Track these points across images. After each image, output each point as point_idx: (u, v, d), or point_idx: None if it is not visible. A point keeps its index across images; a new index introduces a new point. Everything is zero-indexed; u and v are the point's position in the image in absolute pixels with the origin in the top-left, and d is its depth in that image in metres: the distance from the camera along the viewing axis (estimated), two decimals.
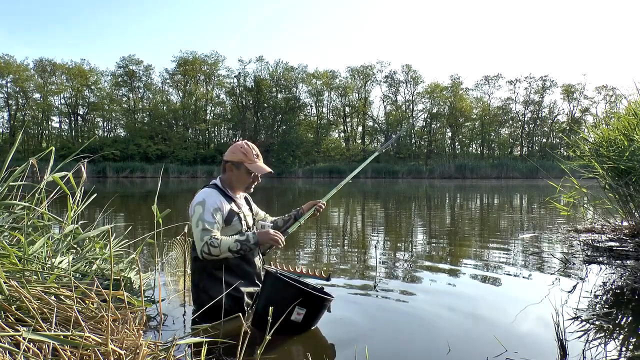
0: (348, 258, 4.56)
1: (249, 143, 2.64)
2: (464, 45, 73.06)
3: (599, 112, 45.86)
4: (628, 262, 4.13)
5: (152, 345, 1.77)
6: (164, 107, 46.53)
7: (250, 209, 2.78)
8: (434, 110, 49.24)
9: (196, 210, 2.44)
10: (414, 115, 48.89)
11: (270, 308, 1.77)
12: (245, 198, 2.80)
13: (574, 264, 4.13)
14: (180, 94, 47.85)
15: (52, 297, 1.94)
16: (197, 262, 2.52)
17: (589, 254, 4.50)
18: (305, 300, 2.24)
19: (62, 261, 2.43)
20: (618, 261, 4.16)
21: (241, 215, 2.59)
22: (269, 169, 2.64)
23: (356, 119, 50.50)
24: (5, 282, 1.82)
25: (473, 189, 21.47)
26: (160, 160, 41.63)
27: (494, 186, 23.75)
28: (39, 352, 1.56)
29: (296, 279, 2.46)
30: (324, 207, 2.83)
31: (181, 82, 47.59)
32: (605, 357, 2.06)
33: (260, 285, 2.49)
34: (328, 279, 2.62)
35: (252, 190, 2.69)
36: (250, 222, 2.69)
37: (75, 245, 2.78)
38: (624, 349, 2.21)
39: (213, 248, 2.34)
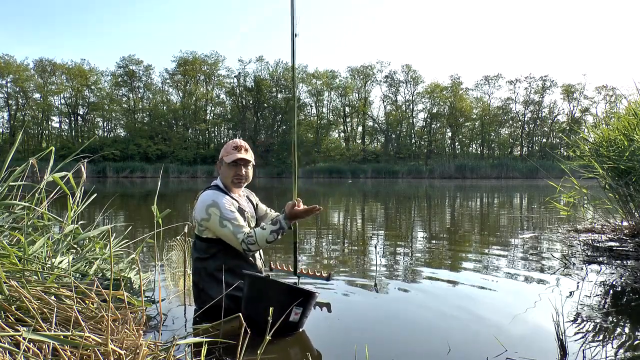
0: (348, 258, 4.56)
1: (235, 140, 2.64)
2: (464, 45, 73.04)
3: (599, 112, 45.88)
4: (628, 262, 4.13)
5: (152, 345, 1.77)
6: (164, 107, 46.58)
7: (254, 208, 2.77)
8: (434, 110, 49.27)
9: (213, 213, 2.42)
10: (414, 114, 48.91)
11: (271, 309, 1.77)
12: (248, 197, 2.79)
13: (574, 264, 4.13)
14: (180, 94, 47.91)
15: (52, 297, 1.94)
16: (198, 263, 2.52)
17: (589, 254, 4.50)
18: (302, 299, 2.23)
19: (62, 261, 2.43)
20: (618, 261, 4.16)
21: (245, 215, 2.60)
22: (240, 155, 2.55)
23: (356, 119, 50.52)
24: (5, 282, 1.82)
25: (473, 189, 21.47)
26: (160, 160, 41.67)
27: (494, 186, 23.75)
28: (39, 352, 1.56)
29: (276, 279, 2.35)
30: (300, 203, 2.56)
31: (181, 82, 47.64)
32: (605, 357, 2.06)
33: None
34: (328, 279, 2.61)
35: (241, 185, 2.64)
36: (253, 224, 2.69)
37: (75, 245, 2.77)
38: (623, 349, 2.21)
39: (251, 245, 2.39)
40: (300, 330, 2.34)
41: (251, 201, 2.80)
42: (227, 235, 2.42)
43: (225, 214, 2.42)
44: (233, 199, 2.58)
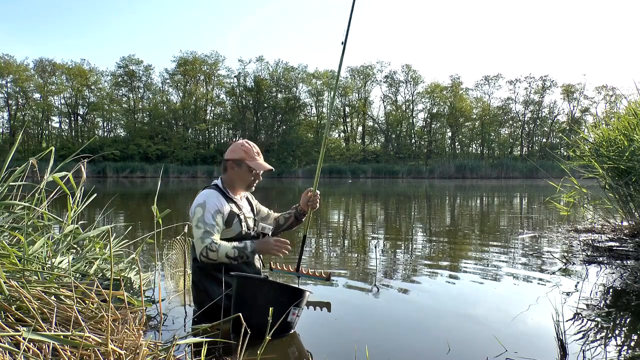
0: (348, 258, 4.56)
1: (250, 142, 2.62)
2: (464, 45, 73.03)
3: (599, 112, 45.93)
4: (628, 262, 4.13)
5: (152, 345, 1.77)
6: (164, 107, 46.55)
7: (252, 210, 2.77)
8: (434, 110, 49.26)
9: (196, 212, 2.43)
10: (414, 114, 48.90)
11: (271, 309, 1.77)
12: (247, 198, 2.79)
13: (574, 264, 4.13)
14: (180, 94, 47.87)
15: (52, 297, 1.94)
16: (197, 262, 2.52)
17: (589, 254, 4.50)
18: (293, 297, 2.21)
19: (62, 261, 2.43)
20: (618, 261, 4.16)
21: (241, 217, 2.58)
22: (269, 167, 2.63)
23: (356, 119, 50.51)
24: (5, 282, 1.82)
25: (473, 188, 21.47)
26: (160, 160, 41.64)
27: (494, 186, 23.75)
28: (39, 352, 1.56)
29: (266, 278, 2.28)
30: (318, 195, 2.72)
31: (181, 82, 47.60)
32: (605, 357, 2.06)
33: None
34: (328, 279, 2.61)
35: (253, 189, 2.67)
36: (251, 224, 2.66)
37: (75, 245, 2.78)
38: (623, 349, 2.21)
39: (211, 252, 2.33)
40: (292, 331, 2.31)
41: (250, 203, 2.80)
42: (195, 237, 2.41)
43: (206, 218, 2.40)
44: (232, 200, 2.57)
